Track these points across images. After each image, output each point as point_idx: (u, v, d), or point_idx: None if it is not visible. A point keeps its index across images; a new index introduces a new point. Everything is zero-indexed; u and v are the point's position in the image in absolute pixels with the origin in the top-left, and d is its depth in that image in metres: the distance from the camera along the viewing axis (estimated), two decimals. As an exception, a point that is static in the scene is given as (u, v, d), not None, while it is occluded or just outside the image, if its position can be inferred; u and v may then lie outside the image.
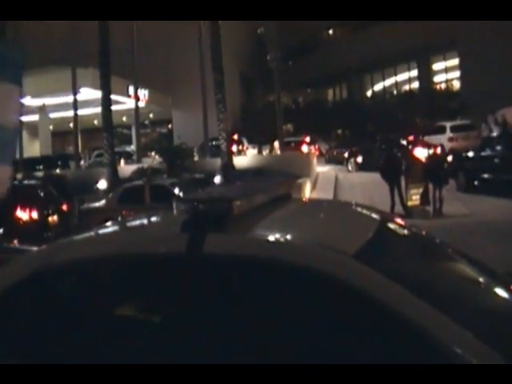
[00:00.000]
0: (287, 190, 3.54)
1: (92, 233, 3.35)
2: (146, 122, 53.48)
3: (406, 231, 3.34)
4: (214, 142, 33.68)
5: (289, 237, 2.62)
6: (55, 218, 14.46)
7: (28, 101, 40.75)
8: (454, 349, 1.98)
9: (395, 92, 52.31)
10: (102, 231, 3.42)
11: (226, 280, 2.41)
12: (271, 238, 2.57)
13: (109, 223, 4.01)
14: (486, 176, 18.88)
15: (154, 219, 3.55)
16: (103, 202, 16.55)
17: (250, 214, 2.72)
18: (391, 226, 3.24)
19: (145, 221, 3.61)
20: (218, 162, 26.65)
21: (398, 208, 16.24)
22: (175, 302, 2.41)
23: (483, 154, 19.82)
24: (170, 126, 54.34)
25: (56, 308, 2.76)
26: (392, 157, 17.75)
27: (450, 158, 19.64)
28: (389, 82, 53.53)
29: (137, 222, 3.64)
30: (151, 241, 2.73)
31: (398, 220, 3.54)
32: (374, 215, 3.26)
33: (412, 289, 2.16)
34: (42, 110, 46.11)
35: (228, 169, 24.78)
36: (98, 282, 2.76)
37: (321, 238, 2.59)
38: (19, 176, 28.81)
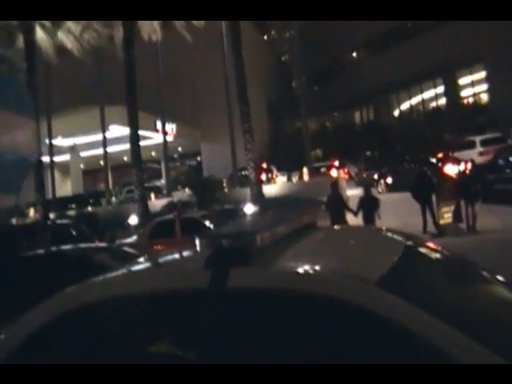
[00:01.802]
0: (312, 219, 3.51)
1: (119, 271, 3.37)
2: (175, 155, 54.04)
3: (435, 254, 3.27)
4: (243, 172, 33.84)
5: (311, 267, 2.59)
6: (87, 255, 14.57)
7: (59, 141, 41.70)
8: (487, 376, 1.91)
9: (422, 110, 52.07)
10: (128, 269, 3.43)
11: (251, 314, 2.40)
12: (293, 269, 2.54)
13: (138, 260, 4.04)
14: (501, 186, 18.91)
15: (179, 255, 3.56)
16: (134, 237, 16.65)
17: (274, 245, 2.70)
18: (419, 249, 3.17)
19: (171, 257, 3.62)
20: (247, 191, 26.71)
21: (431, 227, 16.00)
22: (201, 337, 2.40)
23: (499, 163, 19.81)
24: (198, 158, 54.78)
25: (88, 346, 2.77)
26: (422, 176, 17.53)
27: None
28: (415, 100, 53.35)
29: (163, 259, 3.65)
30: (176, 277, 2.73)
31: (427, 243, 3.47)
32: (401, 239, 3.20)
33: (441, 315, 2.11)
34: (72, 149, 47.07)
35: (258, 198, 24.79)
36: (126, 320, 2.76)
37: (344, 266, 2.56)
38: (52, 215, 29.34)
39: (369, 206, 14.90)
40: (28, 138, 4.11)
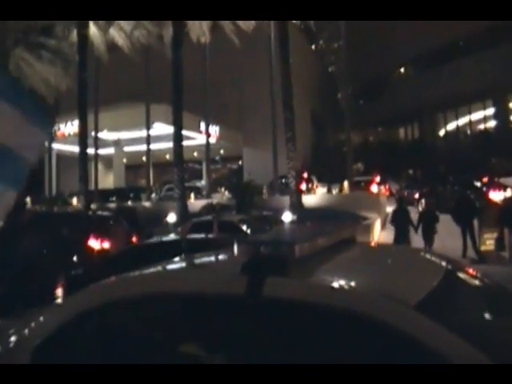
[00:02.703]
0: (351, 234, 3.47)
1: (154, 269, 3.38)
2: (217, 157, 54.27)
3: (475, 281, 3.20)
4: (283, 180, 33.76)
5: (349, 284, 2.57)
6: (125, 249, 14.64)
7: (104, 134, 42.29)
8: None
9: (469, 131, 51.26)
10: (163, 268, 3.44)
11: (284, 324, 2.38)
12: (331, 284, 2.52)
13: (174, 259, 4.04)
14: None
15: (216, 258, 3.55)
16: (172, 235, 16.71)
17: (312, 257, 2.68)
18: (459, 274, 3.10)
19: (207, 259, 3.61)
20: (286, 199, 26.63)
21: (471, 252, 15.66)
22: (232, 342, 2.40)
23: None
24: (240, 162, 54.91)
25: (117, 342, 2.81)
26: (465, 199, 17.21)
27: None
28: (463, 121, 52.53)
29: (200, 260, 3.65)
30: (211, 281, 2.72)
31: (468, 269, 3.39)
32: (441, 263, 3.14)
33: (478, 344, 2.06)
34: (116, 143, 47.66)
35: (297, 207, 24.69)
36: (155, 319, 2.78)
37: (383, 286, 2.51)
38: (93, 206, 29.78)
39: (429, 220, 15.69)
40: (31, 140, 4.30)
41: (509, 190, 19.71)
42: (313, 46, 63.41)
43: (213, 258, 3.54)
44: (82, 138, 30.84)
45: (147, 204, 34.11)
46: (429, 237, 15.44)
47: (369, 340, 2.21)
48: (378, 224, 21.86)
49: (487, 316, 2.75)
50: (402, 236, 15.41)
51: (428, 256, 3.34)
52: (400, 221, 15.63)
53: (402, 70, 60.37)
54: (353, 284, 2.57)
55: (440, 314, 2.27)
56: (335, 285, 2.51)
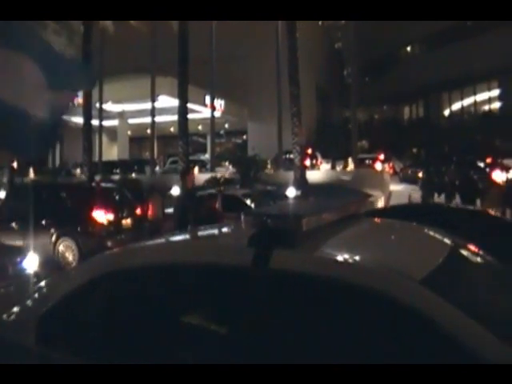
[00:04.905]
0: (357, 210, 3.48)
1: (162, 240, 3.41)
2: (221, 131, 54.08)
3: (479, 258, 3.23)
4: (287, 155, 33.67)
5: (356, 258, 2.58)
6: (129, 221, 14.67)
7: (109, 106, 42.10)
8: None
9: (474, 112, 50.95)
10: (171, 239, 3.48)
11: (290, 296, 2.41)
12: (338, 257, 2.54)
13: (178, 231, 4.07)
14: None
15: (222, 230, 3.58)
16: (176, 208, 16.71)
17: (319, 231, 2.70)
18: (464, 252, 3.13)
19: (213, 231, 3.63)
20: (291, 175, 26.54)
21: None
22: (237, 313, 2.43)
23: None
24: (244, 136, 54.73)
25: (121, 310, 2.85)
26: (468, 179, 17.19)
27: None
28: (468, 101, 52.09)
29: (205, 232, 3.67)
30: (218, 252, 2.75)
31: (472, 246, 3.42)
32: (446, 240, 3.16)
33: (481, 319, 2.09)
34: (121, 115, 47.47)
35: (301, 183, 24.63)
36: (163, 289, 2.80)
37: (389, 260, 2.53)
38: (97, 178, 29.76)
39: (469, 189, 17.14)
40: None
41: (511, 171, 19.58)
42: (320, 22, 62.71)
43: (221, 230, 3.57)
44: (87, 109, 30.67)
45: (151, 176, 34.06)
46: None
47: (374, 313, 2.23)
48: (381, 202, 21.83)
49: (490, 292, 2.78)
50: (428, 197, 18.61)
51: (432, 233, 3.35)
52: (427, 186, 19.34)
53: (409, 48, 59.76)
54: (359, 258, 2.58)
55: (445, 289, 2.28)
56: (342, 258, 2.54)
